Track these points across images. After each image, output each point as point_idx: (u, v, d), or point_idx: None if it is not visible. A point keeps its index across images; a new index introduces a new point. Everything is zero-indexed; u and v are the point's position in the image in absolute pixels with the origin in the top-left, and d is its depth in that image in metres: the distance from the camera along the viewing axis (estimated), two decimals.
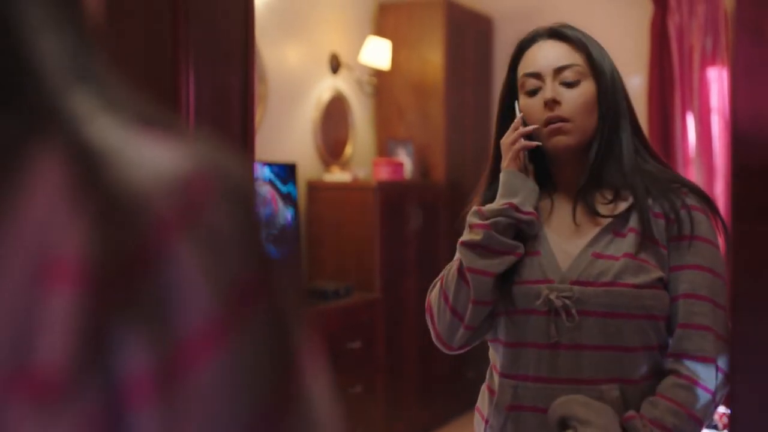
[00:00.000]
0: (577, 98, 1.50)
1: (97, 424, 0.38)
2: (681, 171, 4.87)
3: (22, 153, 0.39)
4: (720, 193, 4.79)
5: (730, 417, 1.30)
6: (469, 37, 5.26)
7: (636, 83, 5.00)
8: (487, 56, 5.46)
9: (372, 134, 5.19)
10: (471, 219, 1.54)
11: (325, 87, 4.75)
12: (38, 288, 0.37)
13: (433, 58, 5.01)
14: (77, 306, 0.38)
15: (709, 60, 4.89)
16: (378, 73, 5.09)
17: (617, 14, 5.09)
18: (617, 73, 1.56)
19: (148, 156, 0.41)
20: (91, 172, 0.39)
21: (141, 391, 0.38)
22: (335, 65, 4.81)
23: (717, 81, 4.88)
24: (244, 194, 0.43)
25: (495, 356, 1.57)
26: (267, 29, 4.25)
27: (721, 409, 3.29)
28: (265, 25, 4.20)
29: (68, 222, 0.38)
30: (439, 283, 1.59)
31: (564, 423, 1.41)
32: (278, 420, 0.40)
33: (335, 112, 4.81)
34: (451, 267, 1.56)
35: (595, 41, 1.56)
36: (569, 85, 1.51)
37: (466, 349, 1.59)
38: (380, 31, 5.07)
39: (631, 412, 1.41)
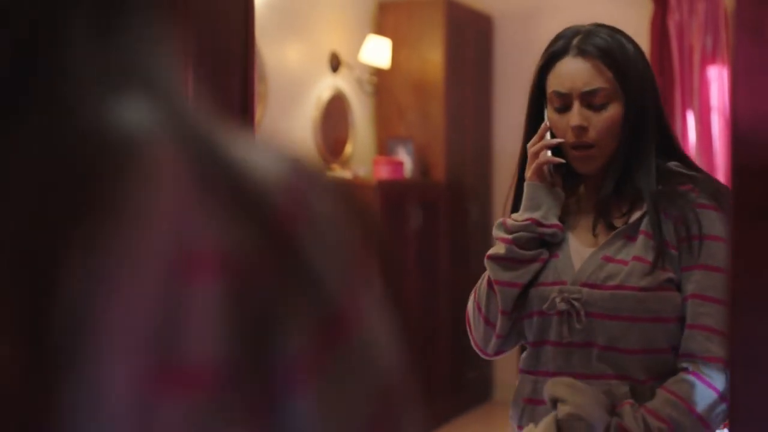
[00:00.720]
0: (603, 122, 1.51)
1: (259, 413, 0.38)
2: None
3: (146, 146, 0.39)
4: None
5: (729, 415, 1.31)
6: (470, 36, 5.26)
7: None
8: (487, 55, 5.46)
9: (372, 133, 5.19)
10: (496, 232, 1.59)
11: (325, 86, 4.75)
12: (179, 281, 0.37)
13: (433, 57, 5.00)
14: (222, 296, 0.38)
15: (709, 59, 4.89)
16: (378, 72, 5.09)
17: (617, 13, 5.09)
18: (650, 78, 1.56)
19: (257, 155, 0.42)
20: (215, 167, 0.40)
21: (301, 373, 0.39)
22: (335, 64, 4.81)
23: (717, 80, 4.88)
24: (337, 189, 0.45)
25: (521, 354, 1.63)
26: (267, 28, 4.25)
27: None
28: (265, 24, 4.20)
29: (201, 215, 0.38)
30: (473, 295, 1.64)
31: (554, 402, 1.46)
32: (400, 393, 0.43)
33: (335, 111, 4.81)
34: (483, 279, 1.61)
35: (626, 43, 1.55)
36: (596, 108, 1.51)
37: (501, 356, 1.66)
38: (380, 30, 5.07)
39: (628, 400, 1.44)
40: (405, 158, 4.93)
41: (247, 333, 0.38)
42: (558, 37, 1.57)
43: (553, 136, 1.56)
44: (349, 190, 0.47)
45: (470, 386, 4.97)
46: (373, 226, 0.46)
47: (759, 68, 1.23)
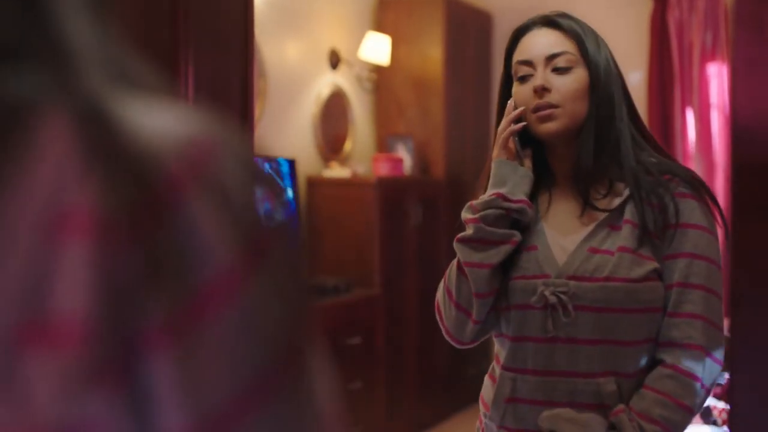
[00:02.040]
0: (567, 84, 1.51)
1: (116, 376, 0.38)
2: None
3: (31, 113, 0.39)
4: (720, 189, 4.79)
5: (730, 412, 1.30)
6: (469, 32, 5.26)
7: (636, 79, 5.00)
8: (486, 52, 5.46)
9: (371, 130, 5.19)
10: (464, 214, 1.56)
11: (325, 83, 4.75)
12: (51, 241, 0.38)
13: (432, 53, 5.00)
14: (92, 257, 0.38)
15: (708, 56, 4.89)
16: (377, 69, 5.09)
17: (617, 10, 5.09)
18: (613, 62, 1.56)
19: (156, 119, 0.42)
20: (100, 132, 0.40)
21: (158, 342, 0.39)
22: (335, 61, 4.81)
23: (717, 77, 4.87)
24: (247, 157, 0.44)
25: (500, 349, 1.58)
26: (266, 25, 4.24)
27: (721, 405, 3.29)
28: (264, 21, 4.20)
29: (79, 179, 0.39)
30: (443, 281, 1.61)
31: None
32: (289, 369, 0.42)
33: (335, 108, 4.81)
34: (453, 264, 1.58)
35: (591, 30, 1.56)
36: (560, 71, 1.51)
37: (476, 344, 1.61)
38: (380, 27, 5.07)
39: (619, 407, 1.43)
40: (405, 155, 4.93)
41: (112, 295, 0.38)
42: (525, 22, 1.59)
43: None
44: (256, 163, 0.45)
45: (468, 383, 4.97)
46: (279, 200, 0.45)
47: (759, 65, 1.22)
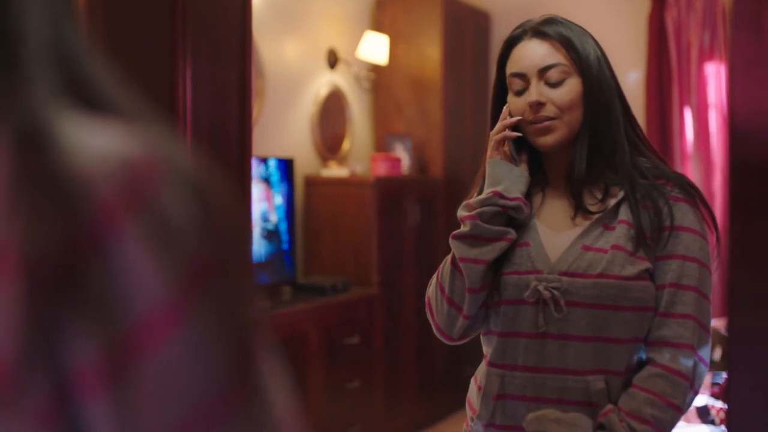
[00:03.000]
0: (562, 96, 1.52)
1: (47, 417, 0.37)
2: (678, 166, 4.87)
3: None
4: (718, 188, 4.80)
5: (727, 412, 1.31)
6: (467, 32, 5.26)
7: (634, 78, 5.00)
8: (484, 51, 5.46)
9: (370, 129, 5.18)
10: (460, 212, 1.58)
11: (323, 82, 4.75)
12: None
13: (431, 53, 5.00)
14: (18, 296, 0.36)
15: (706, 55, 4.89)
16: (376, 68, 5.09)
17: (615, 9, 5.09)
18: (606, 65, 1.56)
19: (95, 141, 0.40)
20: (34, 157, 0.38)
21: (91, 381, 0.37)
22: (333, 60, 4.81)
23: (715, 76, 4.88)
24: (194, 180, 0.42)
25: (487, 348, 1.59)
26: (264, 24, 4.24)
27: (718, 404, 3.29)
28: (262, 20, 4.19)
29: (8, 213, 0.37)
30: (435, 278, 1.62)
31: None
32: (232, 406, 0.40)
33: (333, 108, 4.81)
34: (446, 261, 1.60)
35: (581, 33, 1.57)
36: (554, 85, 1.52)
37: (466, 340, 1.63)
38: (378, 26, 5.07)
39: (608, 407, 1.44)
40: (403, 155, 4.93)
41: (39, 335, 0.37)
42: (516, 27, 1.59)
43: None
44: (205, 185, 0.42)
45: (466, 382, 4.98)
46: (226, 227, 0.42)
47: (757, 63, 1.22)
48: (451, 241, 1.57)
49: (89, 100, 0.43)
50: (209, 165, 0.43)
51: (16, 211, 0.37)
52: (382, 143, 5.09)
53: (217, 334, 0.40)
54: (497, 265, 1.54)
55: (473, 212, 1.54)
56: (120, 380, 0.38)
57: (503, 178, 1.55)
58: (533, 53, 1.54)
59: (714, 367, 3.80)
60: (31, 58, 0.41)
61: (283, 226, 4.16)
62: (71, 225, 0.38)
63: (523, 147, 1.59)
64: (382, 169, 4.65)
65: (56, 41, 0.42)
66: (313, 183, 4.54)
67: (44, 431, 0.37)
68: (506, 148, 1.58)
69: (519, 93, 1.55)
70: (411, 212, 4.70)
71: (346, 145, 4.91)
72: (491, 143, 1.58)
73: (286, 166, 4.18)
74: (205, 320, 0.39)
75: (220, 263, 0.41)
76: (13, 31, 0.40)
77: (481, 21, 5.43)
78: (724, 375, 3.47)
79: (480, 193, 1.60)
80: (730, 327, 1.37)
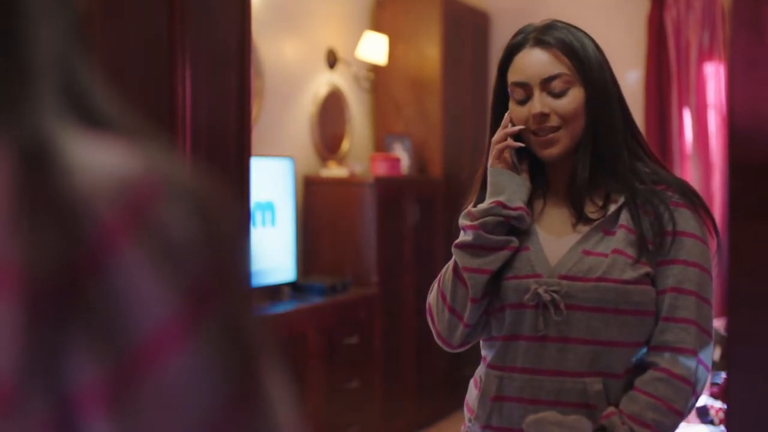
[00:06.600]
0: (565, 106, 1.52)
1: None
2: (678, 167, 4.87)
3: None
4: (717, 189, 4.80)
5: (726, 412, 1.31)
6: (467, 32, 5.26)
7: (633, 79, 5.00)
8: (484, 51, 5.46)
9: (369, 129, 5.18)
10: (462, 221, 1.58)
11: (322, 82, 4.75)
12: None
13: (430, 53, 5.00)
14: (19, 316, 0.36)
15: (706, 55, 4.89)
16: (375, 68, 5.09)
17: (614, 9, 5.09)
18: (608, 71, 1.56)
19: (97, 159, 0.40)
20: (37, 175, 0.38)
21: (94, 401, 0.37)
22: (332, 60, 4.81)
23: (714, 76, 4.88)
24: (195, 197, 0.41)
25: (487, 351, 1.60)
26: (264, 24, 4.24)
27: (718, 404, 3.29)
28: (261, 21, 4.19)
29: (8, 228, 0.37)
30: (436, 285, 1.62)
31: None
32: (237, 424, 0.40)
33: (332, 108, 4.81)
34: (447, 268, 1.60)
35: (583, 38, 1.55)
36: (557, 95, 1.52)
37: (466, 347, 1.63)
38: (377, 26, 5.07)
39: (610, 409, 1.44)
40: (402, 155, 4.93)
41: (41, 357, 0.37)
42: (517, 33, 1.58)
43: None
44: (208, 203, 0.42)
45: (466, 383, 4.98)
46: (228, 242, 0.42)
47: (756, 63, 1.22)
48: (453, 250, 1.57)
49: (90, 117, 0.43)
50: (210, 177, 0.43)
51: (17, 229, 0.37)
52: (381, 143, 5.09)
53: (220, 351, 0.40)
54: (498, 272, 1.54)
55: (476, 222, 1.53)
56: (123, 400, 0.37)
57: (505, 187, 1.55)
58: (536, 63, 1.53)
59: (713, 367, 3.81)
60: (37, 73, 0.40)
61: (283, 226, 4.16)
62: (73, 244, 0.37)
63: (524, 155, 1.58)
64: (381, 169, 4.65)
65: (61, 57, 0.42)
66: (312, 183, 4.54)
67: None
68: (507, 156, 1.57)
69: (521, 102, 1.55)
70: (410, 212, 4.70)
71: (345, 145, 4.91)
72: (493, 151, 1.58)
73: (286, 167, 4.18)
74: (209, 338, 0.39)
75: (223, 280, 0.41)
76: (20, 47, 0.40)
77: (480, 21, 5.43)
78: (724, 375, 3.47)
79: (479, 199, 1.60)
80: (729, 327, 1.37)
